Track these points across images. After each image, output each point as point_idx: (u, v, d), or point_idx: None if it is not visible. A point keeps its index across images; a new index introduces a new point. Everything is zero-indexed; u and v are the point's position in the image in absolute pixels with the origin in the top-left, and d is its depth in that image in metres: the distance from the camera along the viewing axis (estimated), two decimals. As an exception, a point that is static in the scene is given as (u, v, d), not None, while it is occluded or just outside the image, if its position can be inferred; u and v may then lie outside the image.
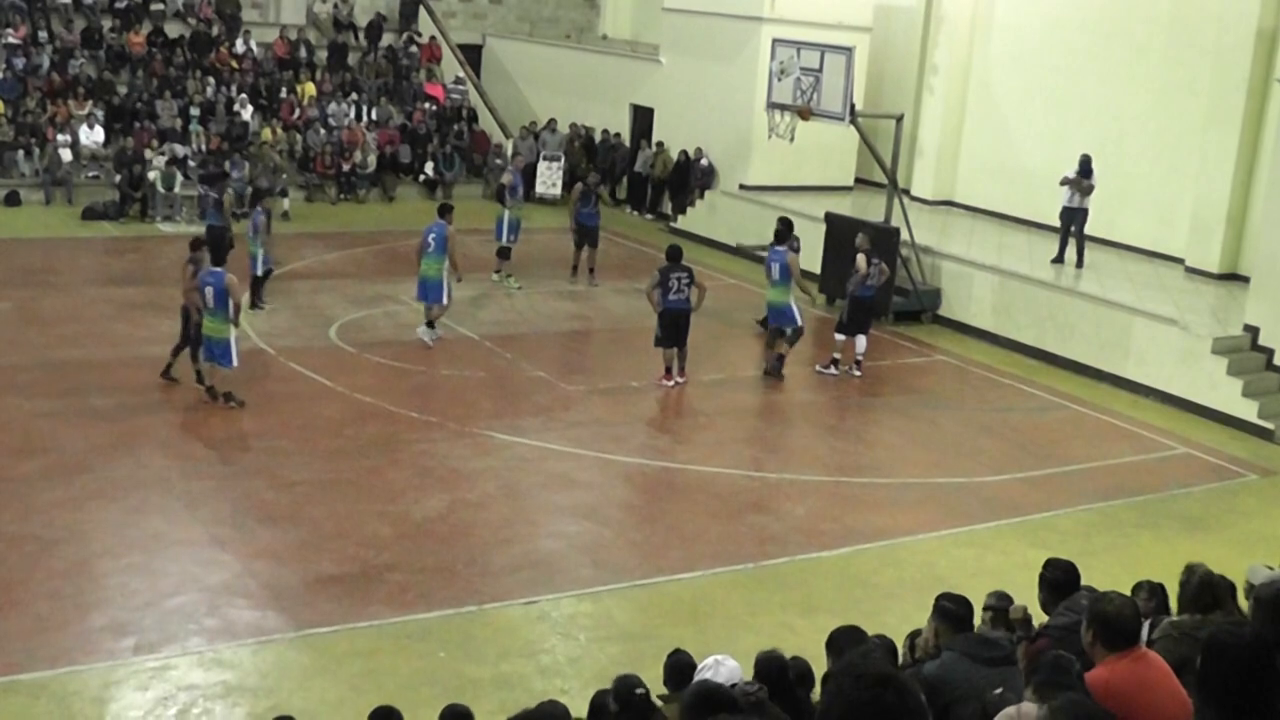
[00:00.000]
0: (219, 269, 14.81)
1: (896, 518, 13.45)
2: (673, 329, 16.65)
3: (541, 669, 9.95)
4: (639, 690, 6.23)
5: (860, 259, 17.88)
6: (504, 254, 21.72)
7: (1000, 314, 20.19)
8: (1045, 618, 7.25)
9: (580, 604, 11.10)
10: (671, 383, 16.81)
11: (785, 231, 17.91)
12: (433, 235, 17.94)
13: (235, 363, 14.84)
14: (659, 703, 6.32)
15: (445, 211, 18.50)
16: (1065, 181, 20.60)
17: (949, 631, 6.67)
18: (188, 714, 9.02)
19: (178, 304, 15.61)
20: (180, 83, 28.52)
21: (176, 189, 25.12)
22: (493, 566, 11.60)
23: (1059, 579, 7.13)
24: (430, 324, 18.03)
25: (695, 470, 14.43)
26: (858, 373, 18.07)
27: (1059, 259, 20.74)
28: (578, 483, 13.76)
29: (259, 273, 18.76)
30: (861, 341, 18.10)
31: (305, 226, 25.22)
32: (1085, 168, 20.52)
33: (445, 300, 18.04)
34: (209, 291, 14.61)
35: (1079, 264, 20.55)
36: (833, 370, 18.09)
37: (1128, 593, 7.92)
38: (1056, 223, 22.49)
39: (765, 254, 18.48)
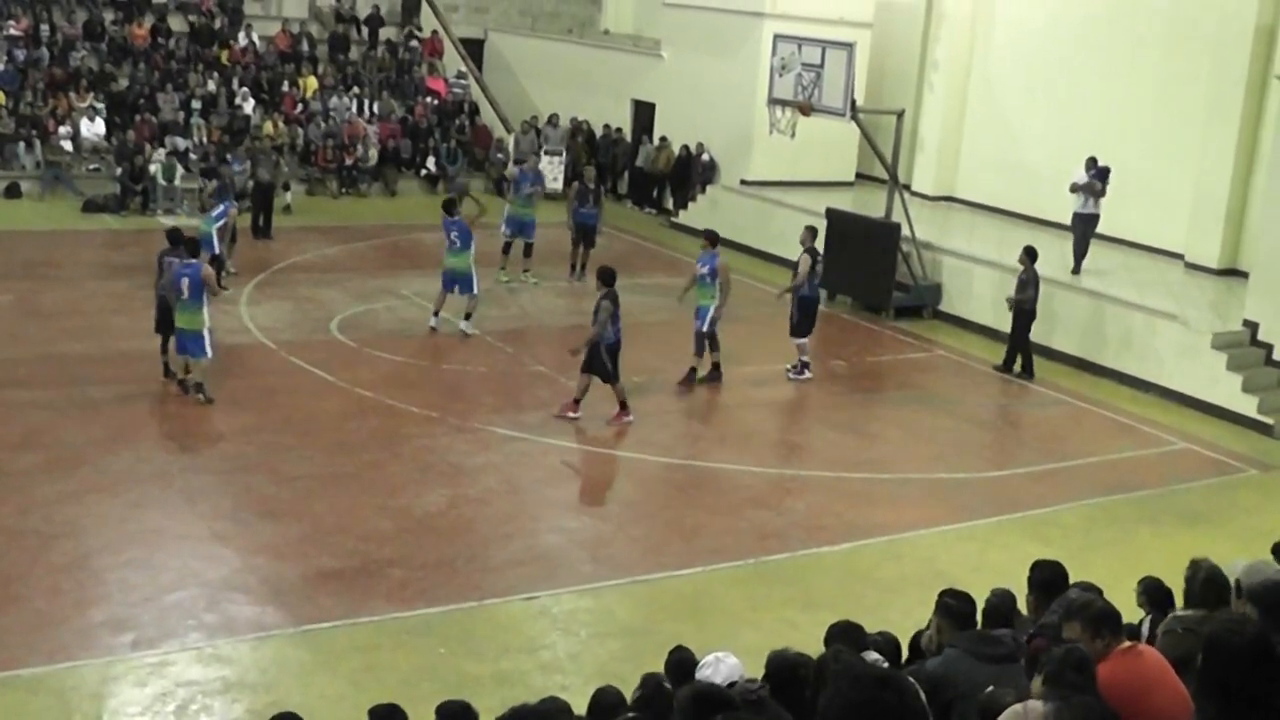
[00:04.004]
0: (194, 261, 14.95)
1: (898, 513, 13.44)
2: (617, 360, 15.24)
3: (542, 665, 9.94)
4: (665, 685, 6.26)
5: (806, 258, 17.45)
6: (508, 250, 21.67)
7: (1001, 309, 20.10)
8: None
9: (581, 599, 11.10)
10: (629, 418, 15.29)
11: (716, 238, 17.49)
12: (455, 233, 18.19)
13: (210, 353, 14.93)
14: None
15: (452, 207, 18.62)
16: (1076, 188, 20.17)
17: (952, 628, 6.67)
18: (186, 710, 9.01)
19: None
20: (182, 75, 28.50)
21: (177, 181, 25.11)
22: (493, 562, 11.60)
23: (1048, 579, 7.14)
24: (468, 316, 18.29)
25: (696, 465, 14.42)
26: (809, 375, 17.75)
27: (1077, 270, 20.12)
28: (578, 478, 13.77)
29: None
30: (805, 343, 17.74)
31: (307, 220, 25.20)
32: (1101, 173, 20.01)
33: (475, 290, 18.28)
34: (185, 282, 14.67)
35: (1075, 270, 20.11)
36: (807, 373, 17.68)
37: (1131, 588, 7.95)
38: (1057, 218, 22.47)
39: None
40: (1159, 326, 18.42)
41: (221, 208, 19.38)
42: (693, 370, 16.91)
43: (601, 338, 14.93)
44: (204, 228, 18.62)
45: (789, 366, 17.74)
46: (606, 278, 15.29)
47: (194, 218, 19.58)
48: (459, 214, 18.45)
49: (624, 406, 15.28)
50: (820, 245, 18.47)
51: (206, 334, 14.85)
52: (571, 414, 15.21)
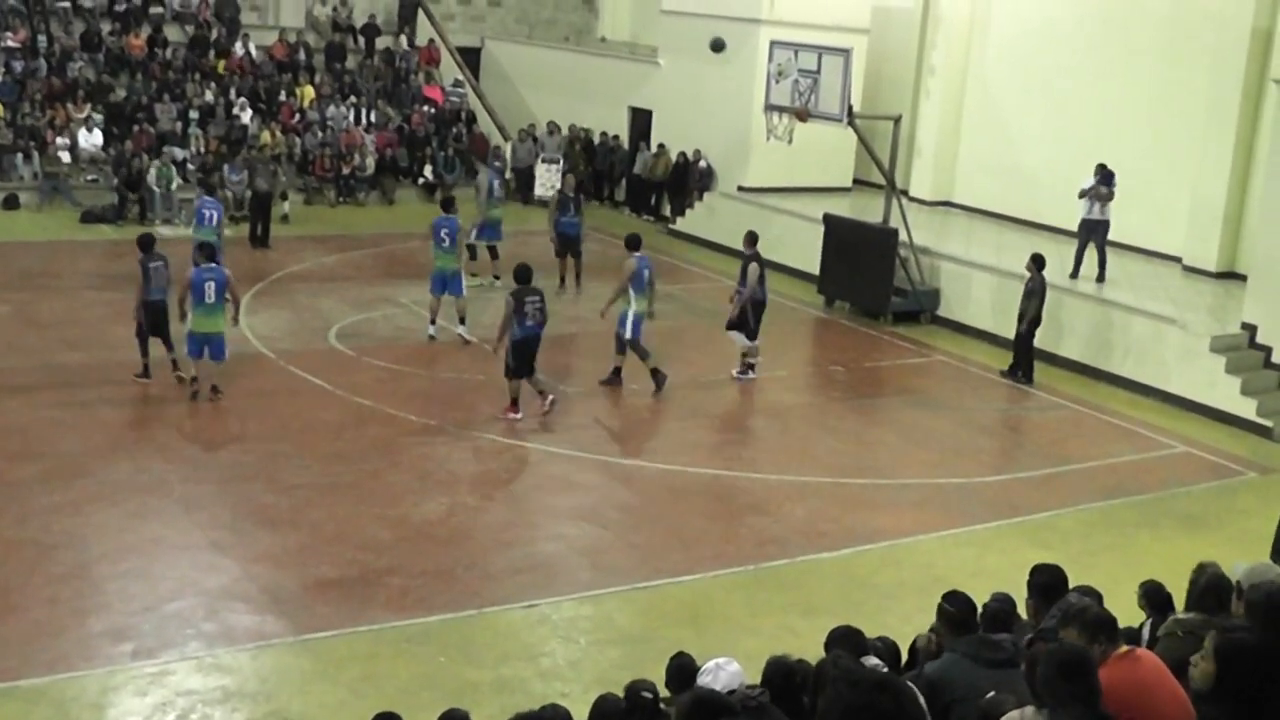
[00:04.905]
0: (216, 265, 15.34)
1: (896, 518, 13.44)
2: (530, 357, 15.25)
3: (542, 672, 9.93)
4: (645, 693, 6.23)
5: (754, 266, 17.31)
6: (473, 253, 21.63)
7: (999, 314, 20.15)
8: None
9: (580, 607, 11.09)
10: (519, 415, 15.32)
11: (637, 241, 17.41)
12: (445, 230, 18.31)
13: (226, 356, 15.39)
14: (664, 706, 6.31)
15: (451, 205, 18.97)
16: (1084, 193, 20.02)
17: (951, 633, 6.66)
18: (186, 719, 9.00)
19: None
20: (179, 86, 28.52)
21: (173, 188, 25.11)
22: (492, 570, 11.59)
23: (1048, 583, 7.14)
24: (462, 320, 18.43)
25: (694, 472, 14.41)
26: (754, 375, 17.67)
27: (1075, 274, 20.05)
28: (577, 485, 13.76)
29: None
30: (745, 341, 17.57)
31: (304, 229, 25.22)
32: (1105, 177, 19.92)
33: (464, 290, 18.49)
34: (210, 286, 15.01)
35: (1100, 278, 19.94)
36: (751, 374, 17.59)
37: (1131, 592, 7.96)
38: (1055, 222, 22.52)
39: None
40: (1158, 330, 18.42)
41: (213, 213, 19.51)
42: (655, 372, 16.78)
43: (510, 333, 15.06)
44: (204, 236, 18.66)
45: (735, 370, 17.64)
46: (519, 275, 15.41)
47: (192, 228, 19.77)
48: (456, 212, 18.71)
49: (514, 404, 15.32)
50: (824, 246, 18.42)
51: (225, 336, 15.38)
52: (512, 414, 15.28)
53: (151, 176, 25.06)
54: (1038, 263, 18.25)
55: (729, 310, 17.64)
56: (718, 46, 20.24)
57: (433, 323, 18.38)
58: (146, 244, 15.79)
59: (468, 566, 11.61)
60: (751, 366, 17.65)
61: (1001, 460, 16.03)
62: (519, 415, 15.29)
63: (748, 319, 17.42)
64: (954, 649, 6.45)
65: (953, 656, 6.37)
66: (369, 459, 13.91)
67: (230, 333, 15.69)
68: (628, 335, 16.72)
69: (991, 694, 5.64)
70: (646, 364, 16.78)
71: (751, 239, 17.80)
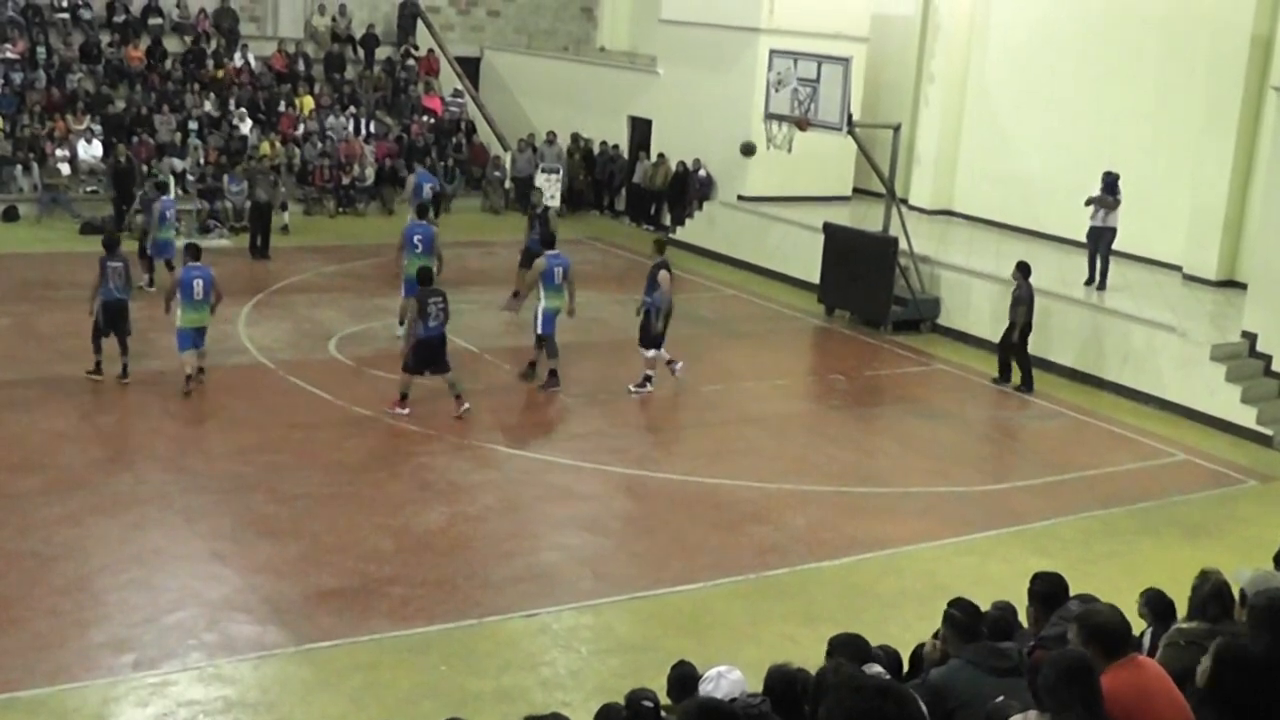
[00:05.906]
0: (199, 264, 15.90)
1: (898, 527, 13.44)
2: (430, 356, 15.51)
3: (543, 681, 9.92)
4: (646, 702, 6.22)
5: (664, 274, 17.07)
6: None
7: (999, 322, 20.10)
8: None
9: (581, 616, 11.08)
10: (406, 410, 15.50)
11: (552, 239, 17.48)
12: (419, 236, 18.43)
13: (205, 343, 16.15)
14: (666, 715, 6.31)
15: (425, 213, 19.49)
16: (1090, 201, 20.05)
17: (958, 639, 6.66)
18: (188, 729, 9.00)
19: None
20: (178, 96, 28.55)
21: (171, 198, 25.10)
22: (493, 579, 11.59)
23: (1049, 591, 7.14)
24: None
25: (695, 481, 14.41)
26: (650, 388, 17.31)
27: (1091, 280, 20.10)
28: (578, 495, 13.75)
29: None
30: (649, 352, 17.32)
31: (304, 240, 25.24)
32: (1108, 184, 19.92)
33: None
34: (198, 283, 15.69)
35: (1101, 285, 20.02)
36: (649, 388, 17.22)
37: (1132, 600, 7.95)
38: (1055, 231, 22.55)
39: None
40: (1158, 338, 18.42)
41: (170, 211, 20.54)
42: (553, 373, 16.93)
43: (416, 331, 15.42)
44: (166, 234, 20.12)
45: (634, 384, 17.26)
46: (420, 276, 15.75)
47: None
48: (429, 219, 19.11)
49: (403, 399, 15.53)
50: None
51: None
52: (399, 409, 15.49)
53: (146, 186, 25.06)
54: (1023, 270, 18.30)
55: (654, 323, 17.05)
56: (748, 151, 20.75)
57: None
58: (111, 244, 16.30)
59: (468, 576, 11.60)
60: (649, 379, 17.22)
61: (1002, 468, 16.02)
62: (406, 411, 15.46)
63: (653, 327, 17.06)
64: (960, 656, 6.45)
65: (958, 663, 6.37)
66: (369, 469, 13.92)
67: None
68: (538, 330, 16.89)
69: (1000, 699, 5.65)
70: (550, 362, 16.90)
71: (660, 246, 17.82)
